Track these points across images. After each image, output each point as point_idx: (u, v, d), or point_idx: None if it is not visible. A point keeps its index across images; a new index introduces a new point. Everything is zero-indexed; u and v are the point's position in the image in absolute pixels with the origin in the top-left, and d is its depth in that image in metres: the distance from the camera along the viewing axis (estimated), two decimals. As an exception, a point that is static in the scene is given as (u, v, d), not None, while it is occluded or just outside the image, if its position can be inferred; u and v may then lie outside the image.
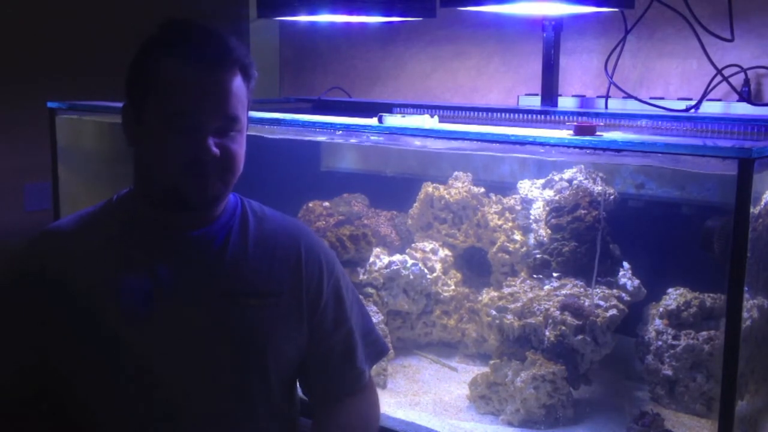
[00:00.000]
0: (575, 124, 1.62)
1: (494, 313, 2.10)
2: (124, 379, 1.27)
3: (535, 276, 2.21)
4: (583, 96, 2.57)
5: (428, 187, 2.53)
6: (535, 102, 2.48)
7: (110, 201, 1.38)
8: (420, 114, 1.97)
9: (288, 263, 1.38)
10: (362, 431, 1.44)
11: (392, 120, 1.86)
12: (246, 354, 1.32)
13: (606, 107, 2.39)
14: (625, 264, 2.22)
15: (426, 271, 2.36)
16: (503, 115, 2.36)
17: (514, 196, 2.44)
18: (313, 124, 2.03)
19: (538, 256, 2.23)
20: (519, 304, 2.07)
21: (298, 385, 1.48)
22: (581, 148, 1.58)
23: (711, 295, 2.06)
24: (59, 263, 1.30)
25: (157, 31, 1.28)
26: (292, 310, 1.37)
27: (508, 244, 2.34)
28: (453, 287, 2.41)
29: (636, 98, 2.34)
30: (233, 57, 1.26)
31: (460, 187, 2.50)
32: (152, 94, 1.25)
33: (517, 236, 2.35)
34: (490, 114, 2.37)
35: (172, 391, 1.28)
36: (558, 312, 2.00)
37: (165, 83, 1.24)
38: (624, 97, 2.38)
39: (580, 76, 2.61)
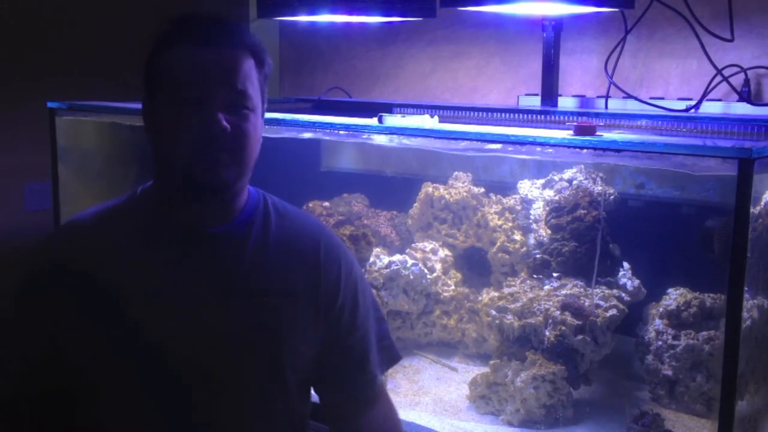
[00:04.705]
0: (575, 124, 1.62)
1: (494, 313, 2.10)
2: (142, 375, 1.26)
3: (535, 276, 2.21)
4: (583, 96, 2.57)
5: (428, 187, 2.53)
6: (535, 102, 2.48)
7: (134, 194, 1.37)
8: (420, 114, 1.97)
9: (307, 264, 1.37)
10: None
11: (392, 120, 1.86)
12: (263, 353, 1.32)
13: (606, 107, 2.39)
14: (625, 264, 2.22)
15: (426, 271, 2.36)
16: (503, 115, 2.36)
17: (514, 196, 2.44)
18: (313, 124, 2.03)
19: (538, 256, 2.23)
20: (519, 304, 2.07)
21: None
22: (581, 148, 1.58)
23: (711, 295, 2.06)
24: (80, 258, 1.28)
25: (168, 23, 1.29)
26: (309, 310, 1.36)
27: (508, 244, 2.34)
28: (453, 287, 2.41)
29: (636, 98, 2.34)
30: (243, 40, 1.27)
31: (460, 187, 2.50)
32: (164, 77, 1.25)
33: (517, 236, 2.35)
34: (490, 114, 2.37)
35: (190, 389, 1.28)
36: (558, 312, 2.00)
37: (175, 64, 1.25)
38: (624, 97, 2.38)
39: (580, 76, 2.61)
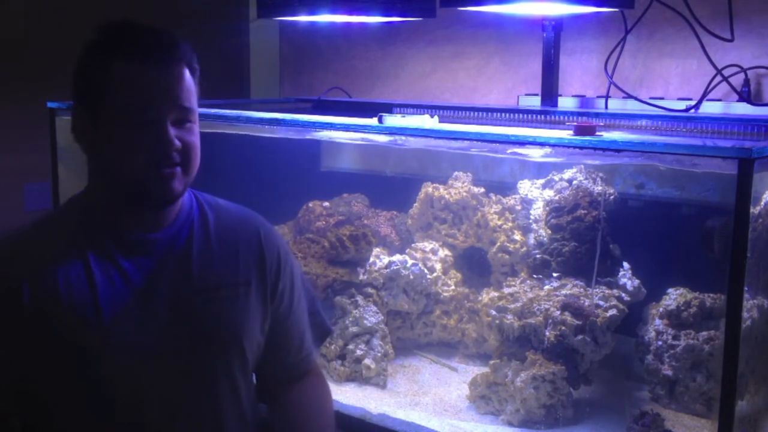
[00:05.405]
0: (575, 124, 1.62)
1: (494, 313, 2.10)
2: (106, 387, 1.26)
3: (535, 276, 2.21)
4: (583, 96, 2.57)
5: (428, 187, 2.53)
6: (535, 102, 2.48)
7: (68, 205, 1.36)
8: (420, 114, 1.97)
9: (251, 251, 1.41)
10: (317, 414, 1.48)
11: (392, 120, 1.86)
12: (226, 345, 1.35)
13: (606, 107, 2.39)
14: (625, 264, 2.22)
15: (426, 271, 2.36)
16: (503, 115, 2.36)
17: (514, 196, 2.44)
18: (313, 124, 2.03)
19: (538, 256, 2.23)
20: (519, 304, 2.07)
21: None
22: (581, 148, 1.58)
23: (711, 295, 2.06)
24: (27, 278, 1.26)
25: (99, 33, 1.29)
26: (259, 295, 1.40)
27: (508, 244, 2.34)
28: (453, 287, 2.41)
29: (636, 98, 2.34)
30: (181, 51, 1.28)
31: (460, 187, 2.50)
32: (108, 95, 1.25)
33: (517, 236, 2.35)
34: (490, 114, 2.37)
35: (158, 390, 1.29)
36: (558, 312, 2.00)
37: (120, 82, 1.24)
38: (624, 97, 2.38)
39: (580, 76, 2.61)
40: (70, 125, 1.31)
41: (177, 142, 1.26)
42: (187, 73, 1.28)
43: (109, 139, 1.26)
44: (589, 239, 2.13)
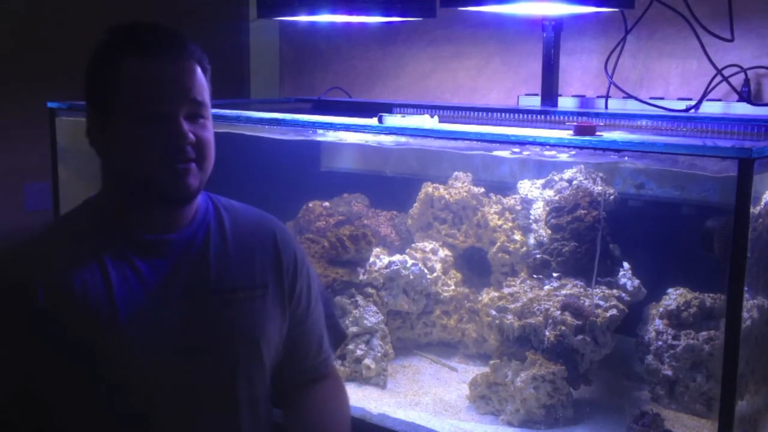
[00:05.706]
0: (575, 124, 1.62)
1: (494, 313, 2.10)
2: (121, 389, 1.25)
3: (535, 276, 2.21)
4: (583, 96, 2.57)
5: (428, 187, 2.53)
6: (535, 102, 2.48)
7: (79, 210, 1.36)
8: (420, 114, 1.97)
9: (267, 254, 1.40)
10: (334, 417, 1.47)
11: (392, 120, 1.86)
12: (243, 348, 1.34)
13: (606, 107, 2.39)
14: (625, 264, 2.22)
15: (426, 271, 2.36)
16: (503, 115, 2.36)
17: (514, 196, 2.44)
18: (313, 124, 2.03)
19: (538, 256, 2.23)
20: (519, 304, 2.07)
21: None
22: (581, 148, 1.58)
23: (711, 295, 2.06)
24: (42, 280, 1.26)
25: (108, 34, 1.29)
26: (276, 299, 1.39)
27: (508, 244, 2.34)
28: (453, 287, 2.41)
29: (636, 98, 2.34)
30: (191, 48, 1.29)
31: (460, 187, 2.50)
32: (120, 94, 1.25)
33: (517, 236, 2.35)
34: (490, 114, 2.37)
35: (173, 394, 1.28)
36: (558, 312, 2.00)
37: (130, 80, 1.24)
38: (624, 97, 2.38)
39: (580, 76, 2.61)
40: (85, 129, 1.31)
41: (191, 136, 1.26)
42: (198, 70, 1.28)
43: (122, 137, 1.26)
44: (589, 239, 2.13)
